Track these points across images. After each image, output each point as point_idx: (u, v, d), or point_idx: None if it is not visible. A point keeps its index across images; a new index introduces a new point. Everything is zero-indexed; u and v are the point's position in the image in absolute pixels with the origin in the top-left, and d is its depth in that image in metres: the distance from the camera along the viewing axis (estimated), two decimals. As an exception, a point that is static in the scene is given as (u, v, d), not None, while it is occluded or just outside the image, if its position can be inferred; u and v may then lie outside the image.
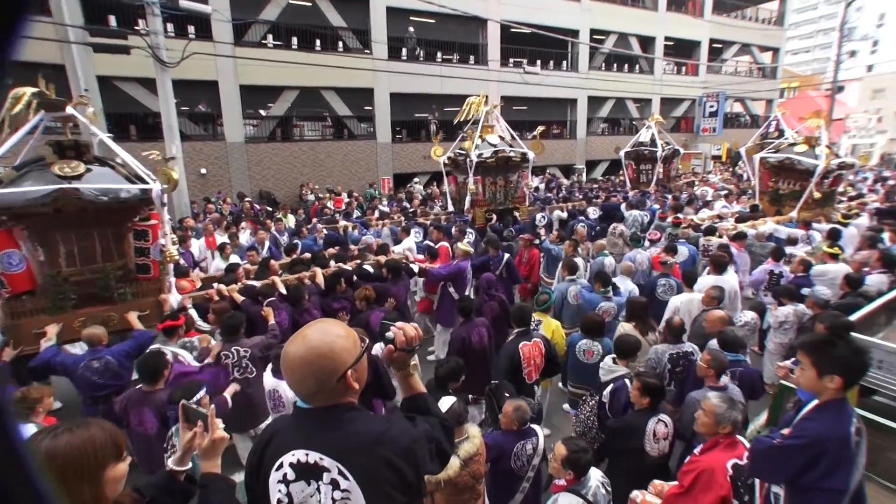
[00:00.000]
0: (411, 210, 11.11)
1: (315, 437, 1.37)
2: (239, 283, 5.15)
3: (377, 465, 1.35)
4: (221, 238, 8.11)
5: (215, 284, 5.12)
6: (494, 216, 9.31)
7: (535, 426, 3.17)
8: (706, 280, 5.55)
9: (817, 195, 9.59)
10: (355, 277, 5.50)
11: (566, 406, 5.01)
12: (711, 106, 25.54)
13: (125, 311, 4.41)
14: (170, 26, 13.03)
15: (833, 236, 7.16)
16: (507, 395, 3.77)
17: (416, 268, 6.07)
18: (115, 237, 4.53)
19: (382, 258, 6.03)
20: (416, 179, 17.39)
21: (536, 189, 16.43)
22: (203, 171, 14.61)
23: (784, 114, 15.79)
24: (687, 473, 2.63)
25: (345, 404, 1.41)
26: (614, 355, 3.84)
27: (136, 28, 11.40)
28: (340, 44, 16.37)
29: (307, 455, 1.35)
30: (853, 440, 2.03)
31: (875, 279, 5.64)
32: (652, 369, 3.95)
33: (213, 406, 1.69)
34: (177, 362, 3.73)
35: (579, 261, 6.17)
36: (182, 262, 5.84)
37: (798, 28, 56.21)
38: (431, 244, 7.40)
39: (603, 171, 23.57)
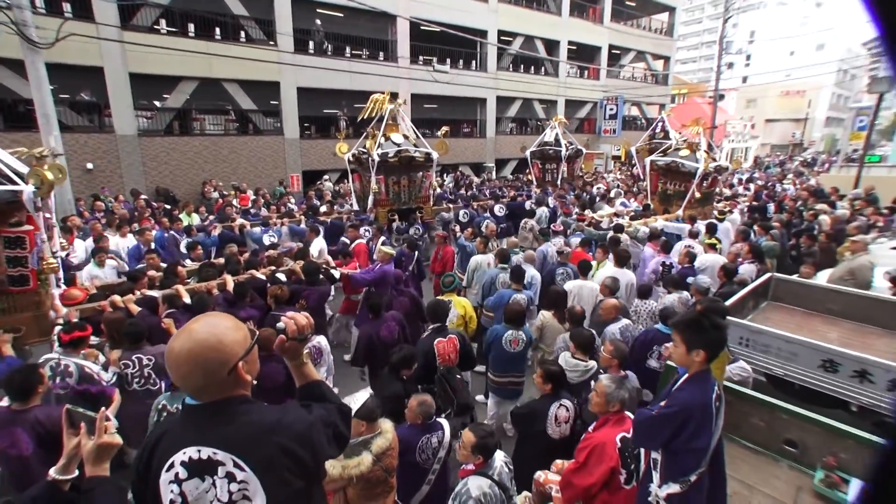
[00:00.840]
0: (312, 209, 11.02)
1: (207, 432, 1.36)
2: (137, 293, 4.83)
3: (273, 452, 1.36)
4: (113, 238, 7.60)
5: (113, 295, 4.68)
6: (397, 216, 9.35)
7: (441, 420, 3.23)
8: (605, 271, 6.09)
9: (698, 195, 10.83)
10: (268, 285, 5.28)
11: (480, 397, 5.26)
12: (611, 109, 27.43)
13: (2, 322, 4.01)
14: (40, 2, 11.92)
15: (710, 230, 8.10)
16: (458, 375, 4.10)
17: (336, 273, 5.94)
18: None
19: (299, 264, 5.81)
20: (327, 177, 17.15)
21: (441, 186, 16.93)
22: (89, 165, 13.47)
23: (669, 116, 17.44)
24: (582, 450, 2.86)
25: (237, 397, 1.40)
26: (569, 352, 4.04)
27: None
28: (243, 34, 15.75)
29: (199, 451, 1.33)
30: (714, 406, 2.28)
31: (745, 268, 6.41)
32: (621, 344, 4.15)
33: (103, 409, 1.59)
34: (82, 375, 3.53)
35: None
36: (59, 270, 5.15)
37: (686, 39, 61.88)
38: (347, 241, 7.49)
39: (512, 170, 24.58)
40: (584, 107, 27.80)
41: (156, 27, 14.27)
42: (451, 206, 11.20)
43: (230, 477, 1.33)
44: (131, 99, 13.90)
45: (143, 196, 12.52)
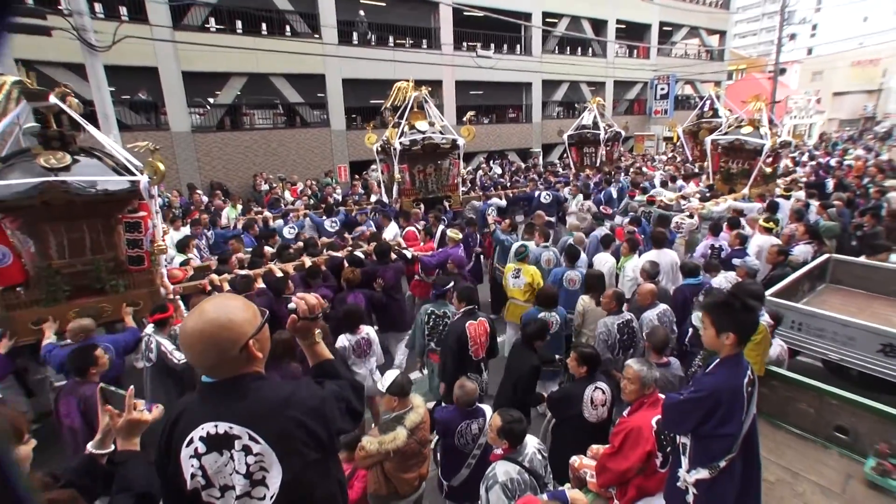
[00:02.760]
0: (333, 201, 11.07)
1: (222, 408, 1.39)
2: (229, 274, 5.21)
3: (287, 426, 1.41)
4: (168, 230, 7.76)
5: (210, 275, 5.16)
6: (423, 205, 8.88)
7: (483, 406, 3.24)
8: (648, 255, 5.88)
9: (768, 171, 10.26)
10: (346, 264, 5.55)
11: None
12: (662, 88, 26.01)
13: (119, 302, 4.43)
14: (98, 7, 12.29)
15: (772, 209, 7.71)
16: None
17: (409, 254, 6.17)
18: (104, 229, 4.48)
19: (373, 245, 6.08)
20: (374, 167, 17.01)
21: (472, 176, 16.48)
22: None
23: (718, 94, 16.24)
24: (617, 434, 2.80)
25: (250, 374, 1.44)
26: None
27: (57, 6, 10.60)
28: (288, 28, 15.78)
29: (216, 427, 1.37)
30: (745, 391, 2.18)
31: (801, 250, 6.07)
32: (604, 341, 4.24)
33: (132, 387, 1.65)
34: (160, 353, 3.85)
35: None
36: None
37: (745, 11, 57.84)
38: (364, 229, 7.52)
39: (560, 154, 23.75)
40: (634, 87, 26.47)
41: (206, 26, 14.50)
42: (483, 193, 10.79)
43: (246, 450, 1.37)
44: (185, 97, 14.21)
45: (197, 190, 12.80)
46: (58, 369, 3.75)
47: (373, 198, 11.12)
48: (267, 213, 9.08)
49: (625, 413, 2.90)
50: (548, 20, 21.56)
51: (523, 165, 19.96)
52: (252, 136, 15.67)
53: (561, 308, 4.72)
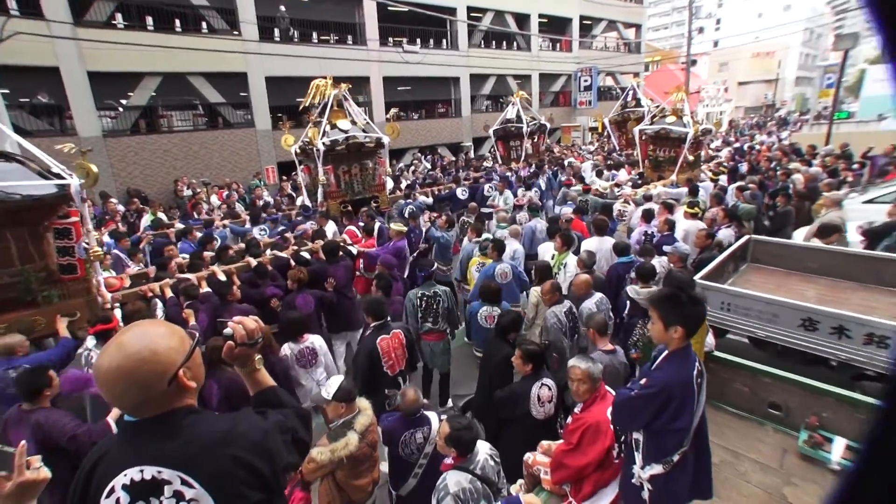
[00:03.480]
0: (262, 203, 11.00)
1: (149, 449, 1.25)
2: (170, 280, 5.12)
3: (226, 465, 1.27)
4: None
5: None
6: (350, 207, 8.49)
7: (429, 413, 3.16)
8: (589, 242, 6.24)
9: (691, 158, 11.03)
10: (293, 263, 5.53)
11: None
12: (585, 80, 27.35)
13: (53, 313, 4.27)
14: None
15: (693, 192, 8.42)
16: (555, 355, 4.15)
17: (354, 250, 6.18)
18: (32, 237, 4.31)
19: (319, 243, 6.08)
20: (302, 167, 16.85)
21: (405, 169, 16.68)
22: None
23: (639, 84, 17.35)
24: (574, 431, 2.80)
25: (182, 408, 1.30)
26: (635, 286, 4.55)
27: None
28: (204, 24, 15.23)
29: (142, 472, 1.22)
30: (695, 383, 2.24)
31: (724, 233, 6.40)
32: (558, 329, 4.30)
33: (23, 443, 1.43)
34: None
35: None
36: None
37: (657, 6, 61.55)
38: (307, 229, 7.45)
39: (490, 147, 24.47)
40: (559, 80, 27.65)
41: (112, 22, 13.69)
42: (416, 192, 10.65)
43: (178, 496, 1.22)
44: (92, 99, 13.39)
45: (112, 199, 12.17)
46: None
47: (298, 201, 10.91)
48: (179, 225, 8.70)
49: (577, 409, 2.91)
50: (472, 14, 22.11)
51: (454, 159, 20.40)
52: (171, 138, 15.03)
53: (504, 302, 4.82)
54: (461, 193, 10.28)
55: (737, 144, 19.40)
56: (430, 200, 10.02)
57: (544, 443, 3.09)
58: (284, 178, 15.92)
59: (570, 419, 2.93)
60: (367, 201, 9.11)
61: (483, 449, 2.70)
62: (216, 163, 15.72)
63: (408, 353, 4.09)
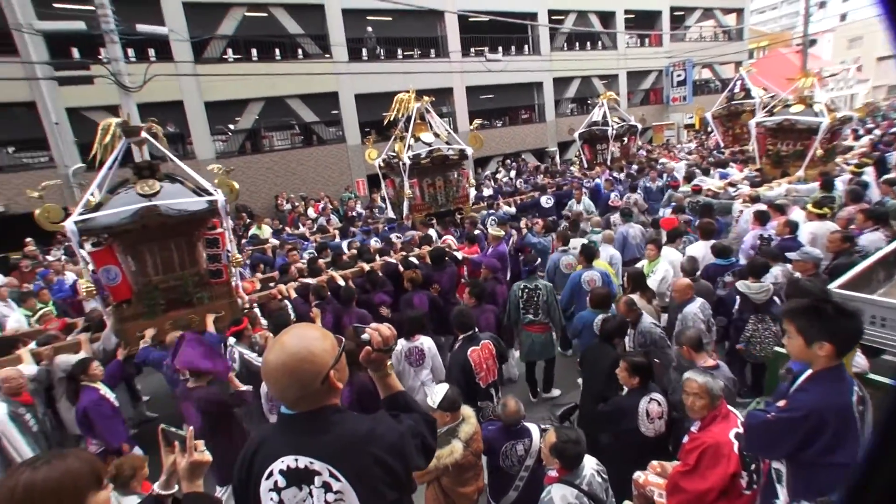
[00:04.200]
0: (355, 215, 11.59)
1: (303, 441, 1.44)
2: (294, 283, 5.72)
3: (367, 463, 1.43)
4: None
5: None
6: (435, 220, 8.84)
7: (529, 425, 3.15)
8: (694, 247, 5.89)
9: (820, 152, 9.97)
10: (401, 269, 5.92)
11: (556, 391, 5.56)
12: (679, 75, 26.31)
13: (204, 312, 5.01)
14: (130, 51, 13.61)
15: (827, 187, 7.38)
16: (656, 360, 3.93)
17: (459, 255, 6.52)
18: (188, 246, 5.07)
19: (426, 248, 6.49)
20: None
21: (490, 178, 16.91)
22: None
23: (750, 73, 16.04)
24: (691, 451, 2.62)
25: (330, 406, 1.48)
26: (746, 281, 4.52)
27: (97, 57, 11.93)
28: (300, 51, 17.04)
29: (296, 460, 1.42)
30: (856, 410, 1.95)
31: (869, 238, 5.30)
32: (689, 329, 4.03)
33: (190, 428, 1.69)
34: (242, 361, 4.37)
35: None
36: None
37: (764, -15, 57.22)
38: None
39: (576, 152, 24.39)
40: (649, 76, 26.98)
41: (224, 56, 15.82)
42: (495, 202, 10.96)
43: (326, 487, 1.40)
44: (208, 125, 15.52)
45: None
46: (154, 365, 4.51)
47: (381, 214, 11.65)
48: (273, 241, 9.44)
49: (694, 428, 2.73)
50: (554, 18, 22.38)
51: (539, 165, 20.62)
52: (272, 157, 16.88)
53: (614, 309, 4.63)
54: (545, 202, 10.41)
55: (878, 131, 16.64)
56: (513, 210, 10.20)
57: (655, 463, 2.92)
58: (375, 190, 17.16)
59: (686, 438, 2.78)
60: (451, 213, 9.38)
61: (590, 464, 2.65)
62: (311, 178, 17.34)
63: (497, 362, 4.12)
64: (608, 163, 14.27)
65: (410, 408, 1.71)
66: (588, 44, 24.43)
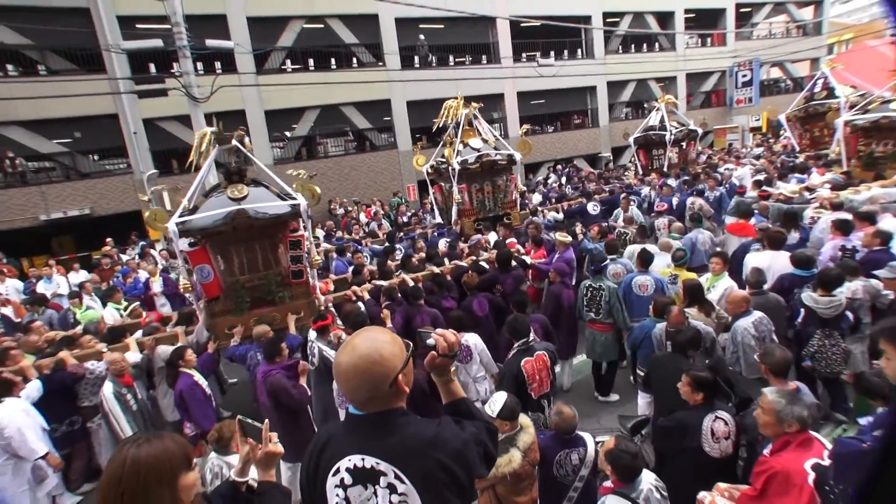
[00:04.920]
0: (405, 220, 11.88)
1: (370, 442, 1.49)
2: (368, 285, 6.01)
3: (432, 468, 1.46)
4: None
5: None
6: (490, 224, 9.11)
7: (583, 434, 3.16)
8: (759, 257, 5.65)
9: None
10: (471, 272, 6.08)
11: (615, 395, 5.66)
12: (744, 75, 25.52)
13: (284, 311, 5.43)
14: (199, 65, 14.91)
15: None
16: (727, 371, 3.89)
17: (527, 259, 6.75)
18: (271, 248, 5.48)
19: (494, 252, 6.69)
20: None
21: (542, 183, 16.93)
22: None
23: (834, 69, 14.32)
24: (759, 475, 2.54)
25: (397, 409, 1.53)
26: (813, 293, 4.28)
27: (171, 71, 13.18)
28: (355, 60, 18.03)
29: (363, 460, 1.47)
30: None
31: None
32: (760, 341, 4.02)
33: (266, 421, 1.82)
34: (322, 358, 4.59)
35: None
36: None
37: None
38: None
39: (630, 157, 24.15)
40: (710, 78, 26.41)
41: (283, 67, 16.98)
42: (541, 209, 11.09)
43: (391, 488, 1.45)
44: (267, 133, 16.67)
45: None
46: (239, 360, 5.00)
47: (428, 219, 12.12)
48: (326, 245, 9.81)
49: (765, 451, 2.63)
50: (609, 20, 22.44)
51: (595, 172, 20.58)
52: (326, 163, 17.87)
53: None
54: (592, 208, 10.56)
55: None
56: (560, 216, 10.42)
57: (721, 485, 2.78)
58: (426, 195, 17.80)
59: (757, 460, 2.69)
60: (500, 218, 9.58)
61: (648, 479, 2.64)
62: (364, 183, 18.20)
63: (552, 373, 4.12)
64: (665, 169, 13.97)
65: (473, 415, 1.73)
66: (644, 45, 24.27)
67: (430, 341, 1.65)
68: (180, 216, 5.03)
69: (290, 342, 4.85)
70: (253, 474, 1.84)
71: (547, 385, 4.04)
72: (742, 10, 26.47)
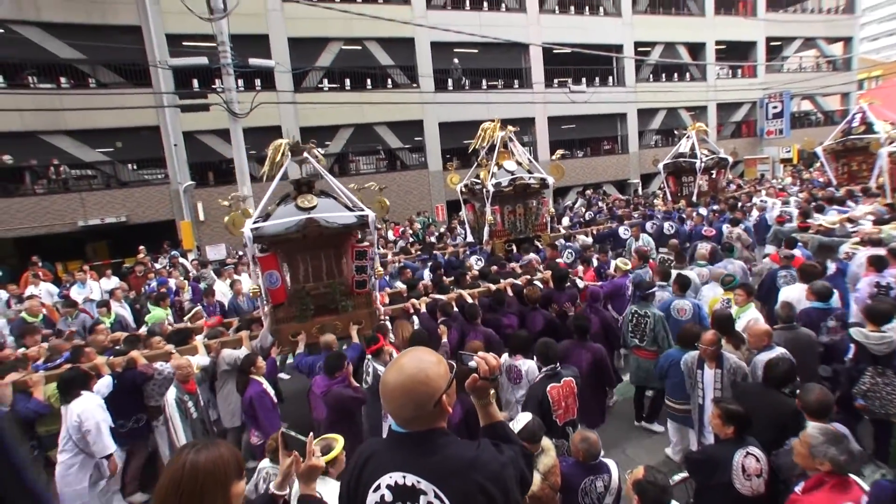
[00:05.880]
0: (430, 242, 12.15)
1: (412, 460, 1.53)
2: (425, 298, 6.09)
3: (472, 489, 1.49)
4: None
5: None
6: (514, 246, 9.46)
7: (608, 461, 3.17)
8: (790, 290, 5.62)
9: None
10: (532, 286, 6.20)
11: (657, 426, 5.52)
12: (775, 107, 25.90)
13: (347, 320, 5.49)
14: (240, 82, 15.58)
15: None
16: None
17: (580, 283, 6.75)
18: (336, 257, 5.58)
19: (548, 273, 6.75)
20: (469, 205, 19.06)
21: (569, 209, 17.20)
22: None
23: (872, 104, 14.50)
24: None
25: (439, 429, 1.59)
26: (864, 328, 4.08)
27: (213, 87, 13.81)
28: (389, 81, 18.64)
29: (405, 478, 1.51)
30: None
31: None
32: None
33: (311, 434, 1.88)
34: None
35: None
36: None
37: (875, 10, 54.75)
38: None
39: (660, 184, 24.38)
40: (741, 108, 26.81)
41: (320, 86, 17.61)
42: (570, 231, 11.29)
43: None
44: (301, 149, 17.17)
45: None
46: (307, 372, 4.99)
47: (458, 239, 12.37)
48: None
49: (797, 488, 2.62)
50: (640, 49, 22.98)
51: (624, 198, 20.79)
52: (357, 180, 18.22)
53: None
54: (623, 232, 10.63)
55: None
56: (589, 241, 10.50)
57: None
58: (454, 215, 18.13)
59: (788, 498, 2.69)
60: (531, 240, 9.82)
61: None
62: (394, 201, 18.43)
63: (578, 401, 4.11)
64: (694, 197, 14.06)
65: (510, 438, 1.77)
66: (675, 75, 24.71)
67: (472, 364, 1.69)
68: (254, 222, 5.21)
69: (352, 353, 4.96)
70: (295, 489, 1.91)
71: (573, 412, 4.04)
72: (772, 43, 26.93)
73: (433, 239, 14.13)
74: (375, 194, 5.73)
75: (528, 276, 6.78)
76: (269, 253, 5.48)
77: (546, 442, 3.08)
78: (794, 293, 5.42)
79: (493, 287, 6.28)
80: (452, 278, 7.09)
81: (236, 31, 11.83)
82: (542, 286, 6.35)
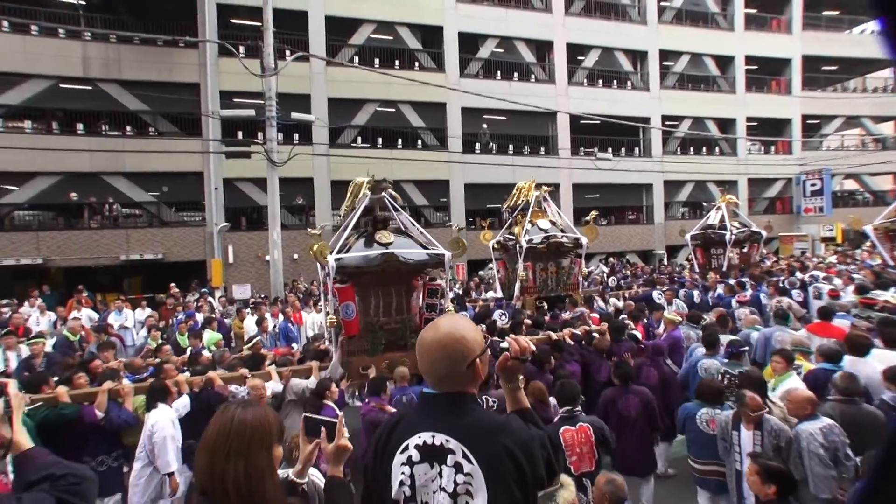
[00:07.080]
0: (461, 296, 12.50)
1: (442, 420, 1.59)
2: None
3: (500, 452, 1.52)
4: (309, 315, 10.96)
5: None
6: (545, 303, 9.69)
7: None
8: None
9: None
10: (583, 342, 6.31)
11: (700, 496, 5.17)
12: (814, 184, 26.00)
13: (414, 357, 6.00)
14: (280, 135, 17.36)
15: None
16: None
17: (638, 334, 6.86)
18: (405, 293, 5.80)
19: (605, 325, 6.74)
20: (490, 265, 19.81)
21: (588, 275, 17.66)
22: (295, 256, 18.11)
23: None
24: None
25: (469, 394, 1.64)
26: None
27: (255, 139, 15.52)
28: (419, 141, 20.19)
29: (433, 437, 1.56)
30: None
31: None
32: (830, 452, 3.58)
33: (341, 414, 1.91)
34: None
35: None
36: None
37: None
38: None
39: (686, 256, 24.61)
40: (775, 184, 27.07)
41: (353, 143, 19.25)
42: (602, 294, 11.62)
43: (458, 467, 1.52)
44: (330, 201, 18.63)
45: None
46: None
47: (488, 294, 12.98)
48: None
49: None
50: (668, 122, 23.99)
51: (648, 268, 21.09)
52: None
53: (728, 405, 4.40)
54: (657, 296, 10.86)
55: None
56: (620, 304, 10.78)
57: None
58: (474, 275, 18.95)
59: None
60: (562, 299, 10.10)
61: None
62: (415, 256, 19.58)
63: (596, 452, 3.92)
64: (724, 269, 14.08)
65: (538, 425, 1.80)
66: (704, 148, 25.37)
67: (504, 345, 1.77)
68: (337, 253, 5.59)
69: (414, 391, 5.03)
70: (312, 475, 2.03)
71: (590, 463, 3.84)
72: (809, 121, 27.32)
73: (459, 291, 14.78)
74: (457, 235, 6.23)
75: (587, 327, 6.86)
76: (348, 284, 5.67)
77: (565, 478, 3.05)
78: (867, 369, 4.82)
79: (553, 336, 6.30)
80: (508, 325, 7.32)
81: (283, 90, 13.49)
82: (598, 336, 6.49)
